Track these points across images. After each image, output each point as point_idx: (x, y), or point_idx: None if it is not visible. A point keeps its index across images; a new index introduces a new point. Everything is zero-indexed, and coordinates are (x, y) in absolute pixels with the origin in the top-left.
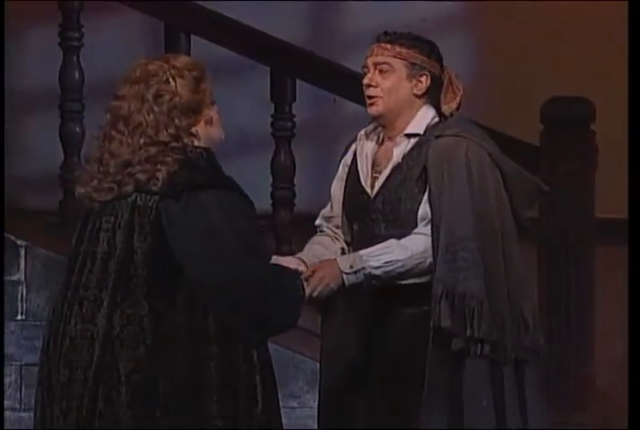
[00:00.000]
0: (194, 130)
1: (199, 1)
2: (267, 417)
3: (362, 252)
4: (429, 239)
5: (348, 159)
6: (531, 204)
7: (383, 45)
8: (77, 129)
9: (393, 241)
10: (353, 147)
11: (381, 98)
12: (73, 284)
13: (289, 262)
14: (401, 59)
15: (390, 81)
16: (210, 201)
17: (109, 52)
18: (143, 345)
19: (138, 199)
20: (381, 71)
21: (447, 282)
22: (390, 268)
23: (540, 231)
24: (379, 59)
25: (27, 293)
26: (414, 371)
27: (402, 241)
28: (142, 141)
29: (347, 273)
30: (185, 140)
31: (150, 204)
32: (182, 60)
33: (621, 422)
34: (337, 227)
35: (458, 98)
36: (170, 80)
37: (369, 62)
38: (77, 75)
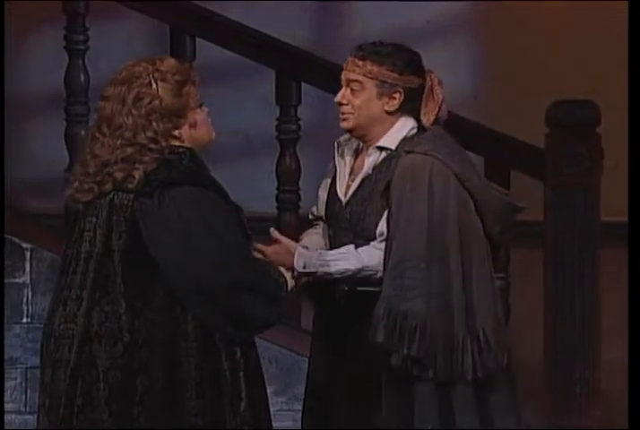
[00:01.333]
0: (176, 133)
1: (204, 1)
2: (253, 414)
3: (319, 255)
4: (382, 255)
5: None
6: (501, 221)
7: (356, 61)
8: (82, 132)
9: (350, 248)
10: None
11: (352, 114)
12: (60, 286)
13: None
14: (371, 78)
15: (360, 99)
16: (182, 197)
17: (115, 55)
18: (121, 342)
19: (115, 197)
20: (352, 89)
21: (391, 300)
22: (341, 276)
23: (544, 234)
24: (351, 76)
25: (32, 296)
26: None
27: (359, 250)
28: (119, 142)
29: (298, 271)
30: (164, 143)
31: (125, 202)
32: (167, 63)
33: (623, 424)
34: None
35: (437, 109)
36: (152, 83)
37: (343, 77)
38: (82, 78)
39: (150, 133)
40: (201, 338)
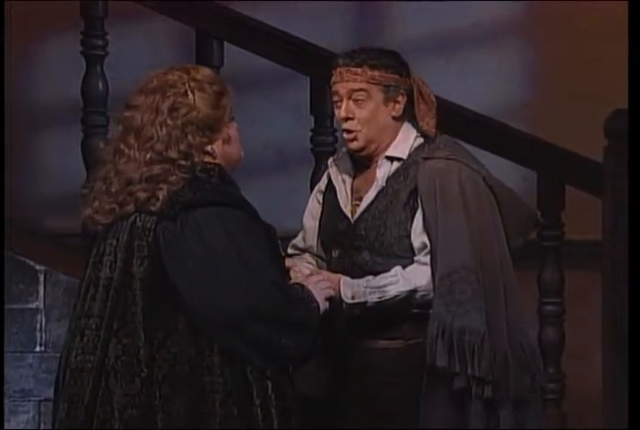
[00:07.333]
0: (209, 148)
1: (235, 1)
2: None
3: (367, 282)
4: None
5: (322, 185)
6: (525, 233)
7: (352, 69)
8: (101, 145)
9: (398, 269)
10: (326, 174)
11: (360, 131)
12: (77, 313)
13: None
14: (375, 84)
15: (367, 110)
16: (206, 220)
17: (136, 61)
18: (139, 378)
19: (137, 220)
20: (356, 100)
21: (444, 318)
22: (391, 300)
23: (604, 253)
24: (352, 86)
25: (46, 322)
26: (397, 409)
27: (407, 271)
28: (148, 156)
29: (346, 303)
30: (196, 159)
31: (148, 225)
32: (203, 72)
33: None
34: (312, 255)
35: (433, 111)
36: (189, 92)
37: (340, 89)
38: (101, 86)
39: (183, 147)
40: (228, 372)
